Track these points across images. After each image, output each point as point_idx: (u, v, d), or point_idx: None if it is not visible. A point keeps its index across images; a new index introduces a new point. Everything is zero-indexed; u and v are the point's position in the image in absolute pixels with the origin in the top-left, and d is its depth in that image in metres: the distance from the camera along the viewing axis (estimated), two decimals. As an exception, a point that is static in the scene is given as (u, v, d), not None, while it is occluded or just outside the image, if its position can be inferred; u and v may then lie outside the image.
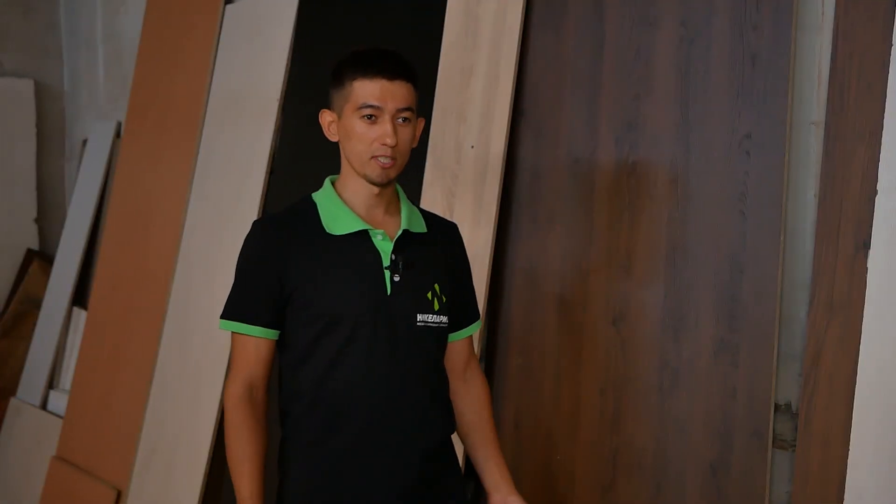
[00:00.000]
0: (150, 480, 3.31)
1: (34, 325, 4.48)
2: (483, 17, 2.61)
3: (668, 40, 2.25)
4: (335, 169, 1.88)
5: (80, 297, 4.24)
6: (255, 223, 1.80)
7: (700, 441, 2.11)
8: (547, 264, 2.45)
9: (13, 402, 4.36)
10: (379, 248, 1.75)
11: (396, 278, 1.75)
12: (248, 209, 3.19)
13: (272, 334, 1.75)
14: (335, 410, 1.73)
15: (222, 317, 1.77)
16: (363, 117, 1.70)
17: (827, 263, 1.92)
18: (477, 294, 2.47)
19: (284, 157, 3.18)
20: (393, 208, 1.81)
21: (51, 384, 4.25)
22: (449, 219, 2.05)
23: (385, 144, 1.70)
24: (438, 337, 1.82)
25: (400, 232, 1.77)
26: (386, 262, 1.75)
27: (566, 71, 2.46)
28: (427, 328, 1.79)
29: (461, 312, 1.90)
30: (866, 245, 1.86)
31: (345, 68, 1.73)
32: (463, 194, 2.56)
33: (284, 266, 1.72)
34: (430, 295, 1.79)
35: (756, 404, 2.02)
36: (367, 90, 1.70)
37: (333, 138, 1.78)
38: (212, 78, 3.53)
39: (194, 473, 3.13)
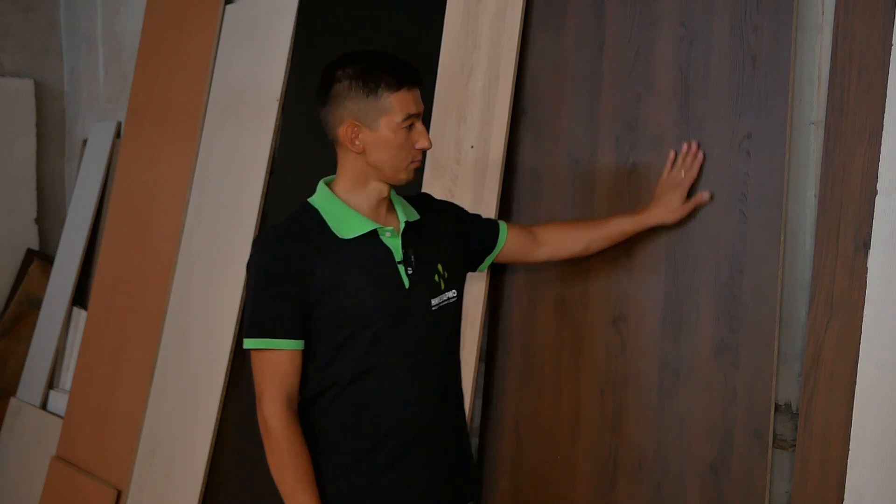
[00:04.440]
0: (150, 480, 3.31)
1: (34, 325, 4.48)
2: (483, 16, 2.61)
3: (668, 41, 2.25)
4: (334, 169, 1.88)
5: (80, 297, 4.24)
6: (262, 238, 1.81)
7: (700, 441, 2.11)
8: (547, 264, 2.45)
9: (13, 402, 4.36)
10: (389, 245, 1.80)
11: (410, 271, 1.80)
12: (248, 209, 3.19)
13: (302, 345, 1.76)
14: (364, 407, 1.78)
15: (250, 336, 1.76)
16: (406, 127, 1.76)
17: (827, 263, 1.92)
18: (477, 294, 2.47)
19: (284, 157, 3.18)
20: (389, 204, 1.86)
21: (51, 384, 4.25)
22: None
23: (425, 148, 1.78)
24: (452, 314, 1.89)
25: (403, 224, 1.82)
26: (398, 258, 1.80)
27: (566, 71, 2.46)
28: (441, 309, 1.85)
29: (490, 234, 2.05)
30: (866, 245, 1.86)
31: (378, 79, 1.74)
32: (463, 194, 2.56)
33: (308, 274, 1.73)
34: (436, 277, 1.85)
35: (756, 404, 2.02)
36: (407, 101, 1.75)
37: (357, 150, 1.78)
38: (212, 78, 3.53)
39: (194, 473, 3.13)
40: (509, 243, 2.09)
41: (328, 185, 1.84)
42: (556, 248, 2.15)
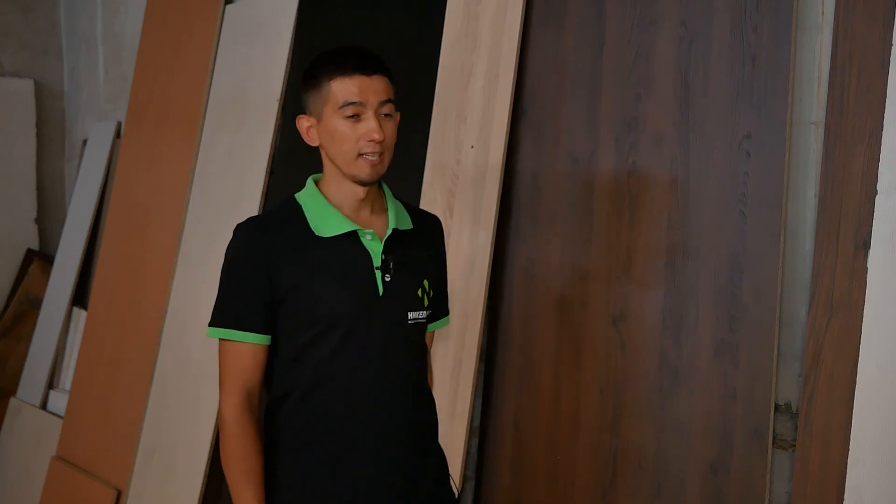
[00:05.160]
0: (150, 480, 3.31)
1: (34, 325, 4.48)
2: (483, 16, 2.61)
3: (668, 40, 2.25)
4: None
5: (80, 297, 4.24)
6: (239, 227, 1.75)
7: (700, 441, 2.11)
8: (547, 264, 2.45)
9: (13, 402, 4.36)
10: (369, 249, 1.74)
11: (387, 278, 1.74)
12: (248, 209, 3.19)
13: (267, 340, 1.72)
14: (326, 412, 1.73)
15: (212, 324, 1.73)
16: (347, 117, 1.68)
17: (827, 263, 1.92)
18: (477, 294, 2.47)
19: (284, 157, 3.18)
20: (378, 206, 1.79)
21: (51, 384, 4.25)
22: (440, 216, 2.04)
23: (373, 140, 1.67)
24: (423, 331, 1.84)
25: (389, 231, 1.76)
26: (377, 263, 1.74)
27: (566, 71, 2.47)
28: (417, 325, 1.79)
29: (437, 307, 1.91)
30: (866, 245, 1.86)
31: (320, 69, 1.70)
32: (463, 194, 2.56)
33: (276, 270, 1.69)
34: (420, 292, 1.79)
35: (756, 404, 2.02)
36: (347, 88, 1.67)
37: (314, 143, 1.74)
38: (212, 78, 3.53)
39: (194, 473, 3.13)
40: (429, 336, 1.94)
41: (316, 181, 1.80)
42: None
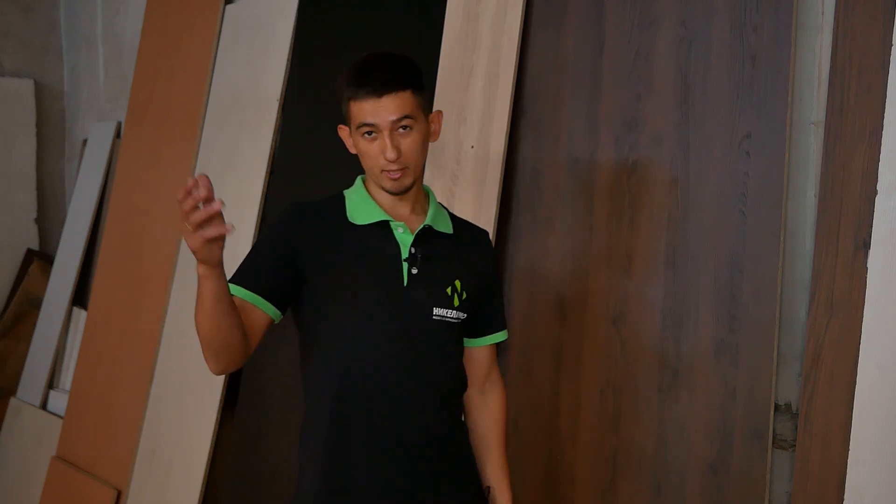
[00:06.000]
0: (150, 480, 3.31)
1: (34, 325, 4.48)
2: (483, 16, 2.61)
3: (668, 40, 2.25)
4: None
5: (80, 297, 4.24)
6: (290, 204, 1.82)
7: (700, 441, 2.11)
8: (547, 264, 2.45)
9: (13, 402, 4.36)
10: (399, 241, 1.77)
11: (414, 271, 1.76)
12: (248, 209, 3.19)
13: (262, 304, 1.72)
14: (343, 400, 1.73)
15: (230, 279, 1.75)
16: (363, 135, 1.72)
17: (827, 263, 1.92)
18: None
19: (284, 157, 3.18)
20: (419, 208, 1.83)
21: (51, 384, 4.25)
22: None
23: (387, 160, 1.71)
24: (456, 332, 1.82)
25: (421, 226, 1.78)
26: (404, 255, 1.76)
27: (566, 71, 2.47)
28: (444, 322, 1.78)
29: (487, 319, 1.90)
30: (866, 245, 1.86)
31: (341, 88, 1.74)
32: (463, 194, 2.56)
33: (303, 250, 1.74)
34: (449, 290, 1.79)
35: (756, 404, 2.02)
36: (360, 110, 1.70)
37: (353, 151, 1.79)
38: (212, 78, 3.53)
39: (194, 473, 3.13)
40: (484, 350, 1.92)
41: (363, 180, 1.85)
42: (475, 413, 1.94)
